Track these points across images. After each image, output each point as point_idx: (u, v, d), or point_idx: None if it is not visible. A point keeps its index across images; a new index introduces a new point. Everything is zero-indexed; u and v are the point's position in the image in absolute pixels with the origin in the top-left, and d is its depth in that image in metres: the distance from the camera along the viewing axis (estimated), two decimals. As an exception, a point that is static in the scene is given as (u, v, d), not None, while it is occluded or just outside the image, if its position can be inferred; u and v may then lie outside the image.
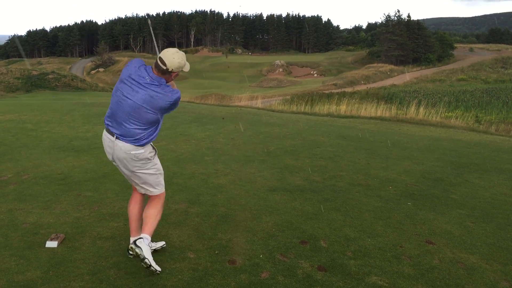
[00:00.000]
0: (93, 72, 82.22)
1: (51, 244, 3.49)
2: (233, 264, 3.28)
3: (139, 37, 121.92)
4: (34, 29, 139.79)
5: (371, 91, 40.21)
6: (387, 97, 35.11)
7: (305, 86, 60.63)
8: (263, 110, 16.83)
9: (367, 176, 6.02)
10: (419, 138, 10.04)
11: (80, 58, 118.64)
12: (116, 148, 3.09)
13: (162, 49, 3.17)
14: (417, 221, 4.34)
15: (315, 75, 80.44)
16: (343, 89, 45.72)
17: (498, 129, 16.04)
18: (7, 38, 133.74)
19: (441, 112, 17.44)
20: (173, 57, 2.98)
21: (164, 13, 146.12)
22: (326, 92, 39.87)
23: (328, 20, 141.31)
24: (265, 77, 76.33)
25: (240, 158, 6.87)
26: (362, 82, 60.31)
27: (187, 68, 3.08)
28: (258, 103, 22.03)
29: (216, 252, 3.47)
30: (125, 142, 3.06)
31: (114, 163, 3.26)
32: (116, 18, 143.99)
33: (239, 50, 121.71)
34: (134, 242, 3.08)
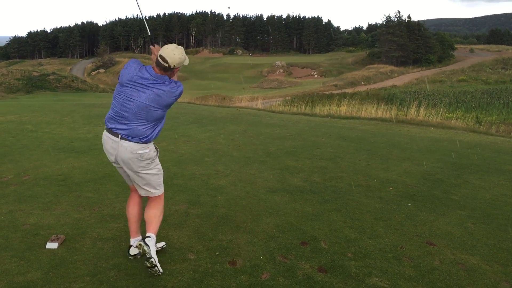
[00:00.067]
0: (93, 73, 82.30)
1: (52, 245, 3.49)
2: (233, 265, 3.28)
3: (139, 38, 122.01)
4: (35, 30, 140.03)
5: (372, 92, 40.20)
6: (388, 98, 35.09)
7: (305, 87, 60.66)
8: (263, 111, 16.84)
9: (368, 177, 6.02)
10: (420, 139, 10.04)
11: (80, 59, 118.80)
12: (121, 148, 3.08)
13: (162, 46, 3.17)
14: (418, 222, 4.34)
15: (316, 76, 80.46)
16: (343, 90, 45.72)
17: (499, 130, 16.03)
18: (8, 39, 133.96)
19: (441, 113, 17.44)
20: (173, 53, 2.99)
21: (164, 14, 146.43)
22: (327, 93, 39.82)
23: (329, 21, 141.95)
24: (265, 78, 76.36)
25: (241, 159, 6.87)
26: (362, 83, 60.34)
27: (187, 61, 3.10)
28: (259, 104, 22.04)
29: (217, 253, 3.47)
30: (131, 142, 3.06)
31: (115, 164, 3.25)
32: (117, 19, 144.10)
33: (240, 51, 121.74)
34: (143, 239, 3.07)
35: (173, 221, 4.10)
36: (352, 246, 3.68)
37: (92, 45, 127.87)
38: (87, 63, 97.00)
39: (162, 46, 3.10)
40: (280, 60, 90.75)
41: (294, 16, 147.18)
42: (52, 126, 9.85)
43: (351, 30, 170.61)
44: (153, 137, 3.13)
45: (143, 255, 3.03)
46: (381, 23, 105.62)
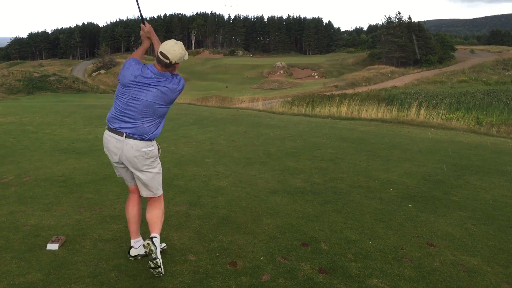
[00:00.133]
0: (94, 74, 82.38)
1: (52, 246, 3.49)
2: (234, 266, 3.28)
3: (140, 39, 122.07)
4: (36, 31, 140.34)
5: (372, 92, 40.16)
6: (388, 99, 35.04)
7: (306, 88, 60.66)
8: (264, 112, 16.84)
9: (368, 178, 6.02)
10: (420, 140, 10.04)
11: (81, 60, 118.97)
12: (127, 147, 3.08)
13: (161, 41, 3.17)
14: (418, 223, 4.34)
15: (316, 76, 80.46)
16: (344, 91, 45.70)
17: (499, 131, 16.03)
18: (9, 40, 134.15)
19: (442, 114, 17.45)
20: (174, 49, 3.00)
21: (165, 15, 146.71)
22: (327, 94, 39.80)
23: (329, 22, 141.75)
24: (266, 79, 76.37)
25: (241, 160, 6.87)
26: (363, 83, 60.32)
27: (186, 56, 3.12)
28: (259, 105, 22.05)
29: (217, 254, 3.47)
30: (136, 139, 3.07)
31: (117, 164, 3.24)
32: (118, 20, 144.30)
33: (240, 52, 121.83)
34: (151, 238, 3.08)
35: (174, 222, 4.10)
36: (353, 247, 3.68)
37: (93, 46, 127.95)
38: (88, 64, 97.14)
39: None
40: (280, 61, 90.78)
41: (295, 17, 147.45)
42: (53, 127, 9.86)
43: (351, 31, 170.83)
44: (157, 134, 3.16)
45: (148, 255, 3.02)
46: (381, 24, 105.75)
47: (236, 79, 76.65)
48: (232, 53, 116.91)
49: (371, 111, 16.93)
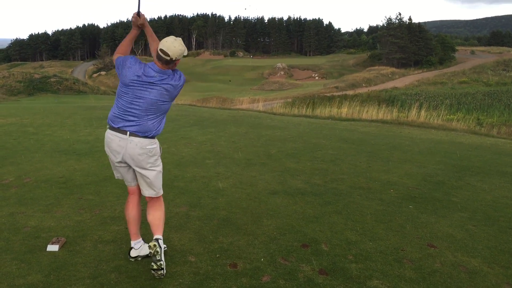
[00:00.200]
0: (95, 75, 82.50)
1: (52, 247, 3.49)
2: (234, 267, 3.28)
3: (140, 41, 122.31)
4: (36, 33, 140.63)
5: (373, 93, 40.20)
6: (389, 99, 35.07)
7: (306, 89, 60.70)
8: (264, 113, 16.85)
9: (369, 179, 6.01)
10: (420, 141, 10.03)
11: (82, 61, 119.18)
12: (131, 145, 3.08)
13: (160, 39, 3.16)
14: (419, 224, 4.33)
15: (317, 78, 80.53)
16: (344, 92, 45.70)
17: (500, 132, 16.03)
18: (9, 42, 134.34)
19: (442, 115, 17.45)
20: (173, 45, 3.00)
21: (165, 16, 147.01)
22: (328, 95, 39.85)
23: (330, 23, 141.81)
24: (266, 80, 76.46)
25: (241, 161, 6.87)
26: (363, 84, 60.36)
27: (186, 52, 3.13)
28: (260, 106, 22.04)
29: (217, 255, 3.46)
30: (141, 137, 3.08)
31: (118, 164, 3.21)
32: (118, 21, 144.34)
33: (241, 53, 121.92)
34: (157, 240, 3.08)
35: (174, 224, 4.10)
36: (353, 249, 3.67)
37: (94, 47, 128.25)
38: (89, 66, 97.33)
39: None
40: (281, 62, 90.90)
41: (295, 18, 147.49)
42: (53, 129, 9.87)
43: (352, 32, 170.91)
44: (160, 130, 3.18)
45: (152, 256, 3.01)
46: (382, 25, 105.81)
47: (236, 80, 76.69)
48: (232, 54, 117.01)
49: (371, 112, 16.93)
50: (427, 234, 4.08)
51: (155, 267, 3.00)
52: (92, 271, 3.16)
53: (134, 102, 3.05)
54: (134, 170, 3.24)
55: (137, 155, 3.10)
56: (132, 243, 3.38)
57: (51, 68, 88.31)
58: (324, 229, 4.07)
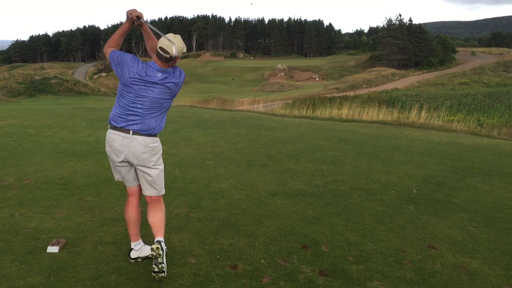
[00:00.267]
0: (95, 76, 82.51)
1: (52, 249, 3.49)
2: (234, 269, 3.27)
3: (141, 42, 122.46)
4: (37, 34, 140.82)
5: (373, 95, 40.14)
6: (389, 101, 35.01)
7: (306, 90, 60.66)
8: (264, 114, 16.85)
9: (369, 180, 6.01)
10: (421, 142, 10.03)
11: (82, 63, 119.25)
12: (134, 143, 3.08)
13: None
14: (419, 225, 4.33)
15: (317, 79, 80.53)
16: (344, 93, 45.64)
17: (500, 133, 16.00)
18: (10, 43, 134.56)
19: (443, 116, 17.44)
20: (173, 43, 3.01)
21: (166, 17, 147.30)
22: (328, 96, 39.81)
23: (330, 24, 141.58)
24: (266, 81, 76.43)
25: (242, 162, 6.87)
26: (364, 86, 60.30)
27: (185, 49, 3.14)
28: (260, 107, 22.05)
29: (217, 257, 3.46)
30: (144, 135, 3.09)
31: (120, 164, 3.20)
32: (119, 23, 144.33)
33: (241, 54, 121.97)
34: (159, 242, 3.08)
35: (174, 225, 4.10)
36: (353, 250, 3.67)
37: (94, 48, 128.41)
38: (89, 67, 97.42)
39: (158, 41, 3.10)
40: (281, 63, 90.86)
41: (295, 19, 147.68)
42: (54, 130, 9.87)
43: (352, 33, 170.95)
44: (162, 127, 3.20)
45: (154, 258, 3.01)
46: (382, 26, 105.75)
47: (237, 81, 76.72)
48: (233, 56, 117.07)
49: (372, 113, 16.92)
50: (427, 235, 4.08)
51: (156, 269, 2.99)
52: (92, 273, 3.16)
53: (137, 101, 3.05)
54: (135, 170, 3.24)
55: (140, 154, 3.11)
56: (132, 245, 3.38)
57: (52, 69, 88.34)
58: (324, 230, 4.07)
